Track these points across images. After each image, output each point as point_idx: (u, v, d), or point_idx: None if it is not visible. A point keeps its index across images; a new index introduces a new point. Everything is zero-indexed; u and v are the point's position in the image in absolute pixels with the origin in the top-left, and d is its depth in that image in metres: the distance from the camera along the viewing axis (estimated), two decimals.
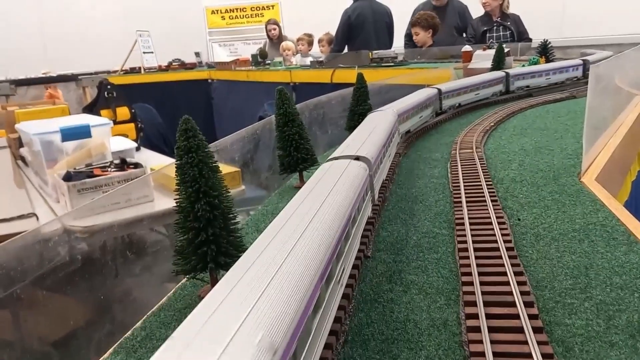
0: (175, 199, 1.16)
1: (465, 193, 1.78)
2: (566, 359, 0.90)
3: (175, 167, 1.14)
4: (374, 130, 1.86)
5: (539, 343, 0.91)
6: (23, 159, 4.20)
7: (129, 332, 1.14)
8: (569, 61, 4.47)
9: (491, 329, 0.96)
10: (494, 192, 1.77)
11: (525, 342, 0.92)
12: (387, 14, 8.29)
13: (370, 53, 6.60)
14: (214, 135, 7.21)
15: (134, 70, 9.58)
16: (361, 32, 8.05)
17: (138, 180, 2.75)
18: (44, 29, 11.01)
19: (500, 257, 1.25)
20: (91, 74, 8.50)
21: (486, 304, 1.05)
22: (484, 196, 1.72)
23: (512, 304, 1.04)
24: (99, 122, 3.41)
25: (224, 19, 12.68)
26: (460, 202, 1.70)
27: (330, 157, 1.51)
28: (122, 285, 1.97)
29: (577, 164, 2.05)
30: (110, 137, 3.41)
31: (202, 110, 9.25)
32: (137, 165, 3.00)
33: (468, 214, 1.57)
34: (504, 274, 1.17)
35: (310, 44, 9.25)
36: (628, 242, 1.34)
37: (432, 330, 1.02)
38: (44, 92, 8.28)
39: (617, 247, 1.32)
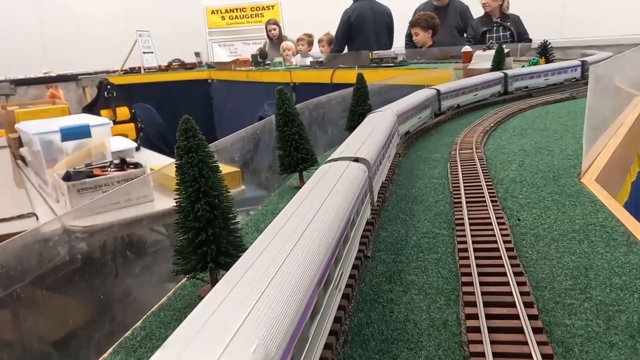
0: (175, 199, 1.16)
1: (465, 193, 1.78)
2: (566, 359, 0.90)
3: (175, 167, 1.14)
4: (374, 131, 1.85)
5: (539, 343, 0.91)
6: (23, 158, 4.20)
7: (129, 332, 1.14)
8: (568, 62, 4.47)
9: (491, 330, 0.96)
10: (493, 193, 1.78)
11: (525, 343, 0.92)
12: (387, 14, 8.28)
13: (370, 53, 6.59)
14: (214, 135, 7.21)
15: (133, 70, 9.58)
16: (361, 32, 8.05)
17: (138, 180, 2.75)
18: (44, 29, 11.01)
19: (500, 258, 1.25)
20: (91, 74, 8.50)
21: (486, 304, 1.05)
22: (483, 197, 1.72)
23: (512, 305, 1.04)
24: (98, 122, 3.41)
25: (224, 19, 12.68)
26: (460, 202, 1.70)
27: (329, 158, 1.50)
28: (122, 285, 1.96)
29: (577, 164, 2.05)
30: (110, 137, 3.41)
31: (202, 110, 9.25)
32: (136, 165, 3.01)
33: (468, 214, 1.57)
34: (504, 274, 1.17)
35: (310, 44, 9.25)
36: (628, 243, 1.34)
37: (432, 330, 1.02)
38: (45, 91, 8.28)
39: (617, 247, 1.32)
